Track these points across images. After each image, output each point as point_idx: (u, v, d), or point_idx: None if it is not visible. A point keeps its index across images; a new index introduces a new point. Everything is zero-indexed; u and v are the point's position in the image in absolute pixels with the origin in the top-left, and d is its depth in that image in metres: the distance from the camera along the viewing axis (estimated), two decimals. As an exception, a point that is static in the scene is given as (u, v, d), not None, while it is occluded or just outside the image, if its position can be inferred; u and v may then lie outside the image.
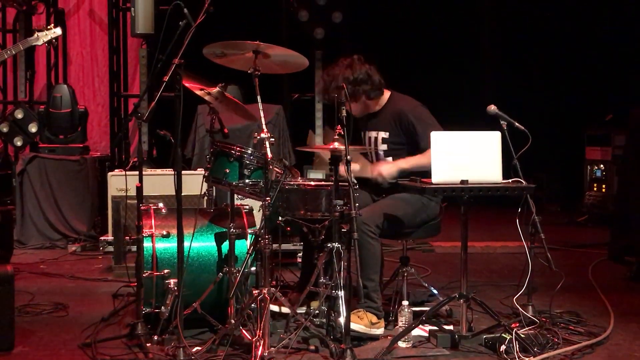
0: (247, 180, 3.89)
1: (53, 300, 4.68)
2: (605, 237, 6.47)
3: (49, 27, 4.71)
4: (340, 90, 3.70)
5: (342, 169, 3.76)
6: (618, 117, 8.18)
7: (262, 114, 3.71)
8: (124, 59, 8.05)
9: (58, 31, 4.70)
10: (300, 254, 5.14)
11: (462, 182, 3.70)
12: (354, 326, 3.76)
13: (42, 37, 4.69)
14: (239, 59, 3.92)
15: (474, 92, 9.05)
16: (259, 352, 3.44)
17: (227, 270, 3.94)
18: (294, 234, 4.79)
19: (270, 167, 3.74)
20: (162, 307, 3.87)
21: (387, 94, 4.40)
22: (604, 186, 8.29)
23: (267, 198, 3.66)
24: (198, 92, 3.99)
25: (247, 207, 4.28)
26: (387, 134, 4.33)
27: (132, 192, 3.99)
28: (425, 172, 3.84)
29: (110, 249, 5.74)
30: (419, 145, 4.21)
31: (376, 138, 4.37)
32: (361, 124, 4.45)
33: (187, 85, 3.77)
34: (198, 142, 6.61)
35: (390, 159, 4.33)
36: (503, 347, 3.65)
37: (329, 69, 4.35)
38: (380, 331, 3.98)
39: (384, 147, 4.33)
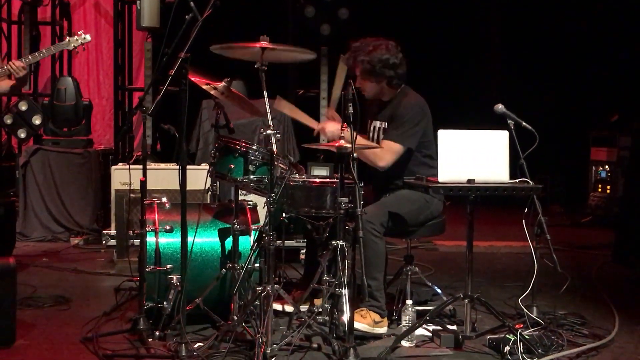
0: (251, 176, 3.86)
1: (55, 293, 4.67)
2: (610, 239, 6.44)
3: (79, 32, 4.95)
4: (348, 86, 3.67)
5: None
6: (624, 118, 8.15)
7: (268, 110, 3.69)
8: (129, 53, 8.03)
9: (88, 37, 4.96)
10: (303, 251, 5.12)
11: (469, 181, 3.67)
12: (357, 325, 3.75)
13: (73, 42, 4.92)
14: (245, 52, 3.90)
15: (481, 91, 9.02)
16: (262, 349, 3.42)
17: (230, 266, 3.93)
18: (298, 231, 4.77)
19: (276, 163, 3.71)
20: (165, 303, 3.86)
21: (399, 88, 4.37)
22: (608, 187, 8.26)
23: (272, 194, 3.63)
24: (204, 87, 3.96)
25: (251, 203, 4.25)
26: (386, 124, 4.30)
27: (136, 186, 3.97)
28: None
29: (113, 242, 5.72)
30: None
31: (379, 128, 4.34)
32: (369, 113, 4.42)
33: (193, 79, 3.75)
34: (202, 136, 6.59)
35: None
36: (507, 348, 3.63)
37: (367, 40, 4.28)
38: (383, 330, 3.95)
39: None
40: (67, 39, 4.95)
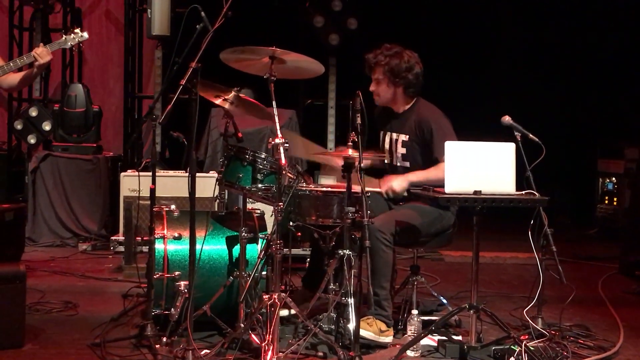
0: (259, 185, 3.90)
1: (63, 298, 4.70)
2: (616, 251, 6.44)
3: (76, 30, 4.72)
4: (357, 97, 3.70)
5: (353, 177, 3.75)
6: (631, 130, 8.15)
7: (276, 119, 3.71)
8: (139, 60, 8.08)
9: (85, 35, 4.70)
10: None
11: (476, 192, 3.69)
12: (363, 333, 3.76)
13: (70, 41, 4.71)
14: (255, 64, 3.93)
15: (488, 103, 9.03)
16: (268, 357, 3.44)
17: (237, 274, 3.95)
18: (305, 239, 4.80)
19: (284, 172, 3.74)
20: (172, 309, 3.88)
21: (413, 99, 4.39)
22: (615, 199, 8.24)
23: (280, 203, 3.66)
24: (213, 100, 3.99)
25: (259, 211, 4.28)
26: (407, 137, 4.32)
27: (145, 192, 4.00)
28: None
29: (121, 249, 5.75)
30: (431, 155, 4.20)
31: (397, 140, 4.36)
32: (381, 124, 4.45)
33: (202, 94, 3.77)
34: (211, 144, 6.63)
35: (407, 163, 4.32)
36: (512, 359, 3.64)
37: (392, 44, 4.32)
38: (389, 339, 3.97)
39: (403, 150, 4.32)
40: (64, 37, 4.69)
